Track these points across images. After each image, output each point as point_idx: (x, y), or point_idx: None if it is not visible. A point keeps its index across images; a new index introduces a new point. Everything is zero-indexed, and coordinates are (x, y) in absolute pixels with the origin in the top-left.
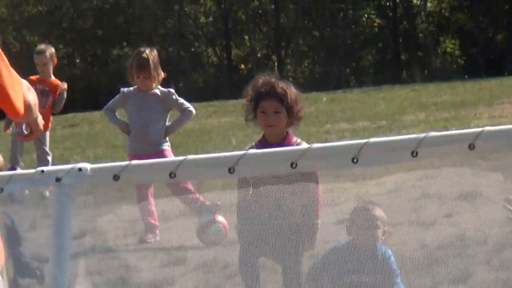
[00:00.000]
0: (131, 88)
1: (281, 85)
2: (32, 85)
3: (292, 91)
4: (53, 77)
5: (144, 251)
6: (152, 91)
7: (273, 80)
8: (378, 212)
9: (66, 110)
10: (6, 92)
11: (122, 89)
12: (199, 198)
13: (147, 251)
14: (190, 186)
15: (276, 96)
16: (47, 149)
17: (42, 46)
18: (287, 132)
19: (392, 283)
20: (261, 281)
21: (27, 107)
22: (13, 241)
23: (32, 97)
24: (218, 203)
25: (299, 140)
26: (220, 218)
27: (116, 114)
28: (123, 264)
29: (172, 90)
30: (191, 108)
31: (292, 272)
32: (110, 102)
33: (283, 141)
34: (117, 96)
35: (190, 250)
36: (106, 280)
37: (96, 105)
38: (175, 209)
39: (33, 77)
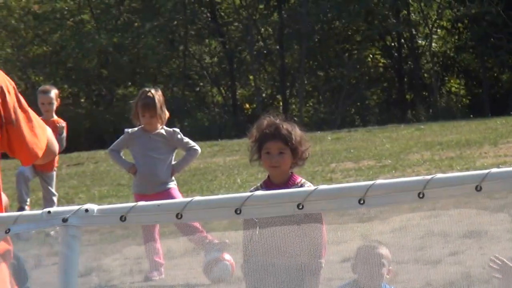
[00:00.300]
0: (136, 129)
1: (285, 126)
2: None
3: (296, 132)
4: (55, 117)
5: None
6: (157, 131)
7: (277, 121)
8: (383, 250)
9: (71, 149)
10: (23, 137)
11: (126, 130)
12: (207, 237)
13: None
14: (197, 224)
15: (281, 137)
16: (53, 190)
17: (46, 86)
18: (291, 173)
19: None
20: None
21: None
22: (20, 279)
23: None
24: (227, 241)
25: (303, 180)
26: (227, 256)
27: (121, 154)
28: None
29: (177, 130)
30: (197, 147)
31: None
32: (114, 143)
33: (288, 181)
34: (121, 137)
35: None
36: None
37: (101, 144)
38: (181, 247)
39: None
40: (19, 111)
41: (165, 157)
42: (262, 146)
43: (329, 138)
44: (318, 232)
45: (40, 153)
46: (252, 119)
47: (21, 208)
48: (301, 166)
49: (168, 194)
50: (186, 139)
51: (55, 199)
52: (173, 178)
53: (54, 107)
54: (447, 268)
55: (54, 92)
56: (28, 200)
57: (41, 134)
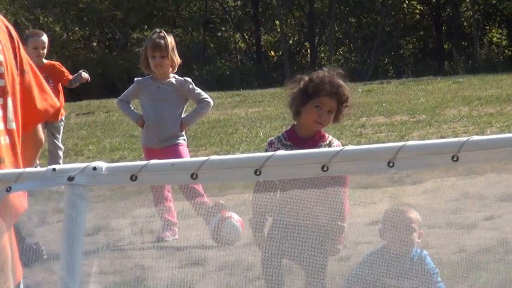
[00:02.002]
0: (146, 77)
1: (347, 88)
2: None
3: (351, 95)
4: (45, 61)
5: (161, 250)
6: (168, 80)
7: (340, 81)
8: (413, 214)
9: (80, 97)
10: (34, 91)
11: (136, 78)
12: (206, 202)
13: (164, 250)
14: (199, 187)
15: (339, 98)
16: (59, 143)
17: (37, 30)
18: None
19: (433, 283)
20: (285, 285)
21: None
22: (17, 237)
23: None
24: (221, 202)
25: (331, 137)
26: (235, 216)
27: (131, 105)
28: (138, 264)
29: (189, 79)
30: (209, 99)
31: (316, 276)
32: (124, 93)
33: (315, 136)
34: (131, 86)
35: (210, 250)
36: (121, 280)
37: (113, 92)
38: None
39: None
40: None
41: (175, 109)
42: (314, 98)
43: (360, 90)
44: (340, 194)
45: (51, 111)
46: (277, 68)
47: None
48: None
49: (174, 150)
50: (198, 90)
51: (60, 153)
52: (182, 133)
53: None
54: (482, 233)
55: (46, 37)
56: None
57: (51, 93)
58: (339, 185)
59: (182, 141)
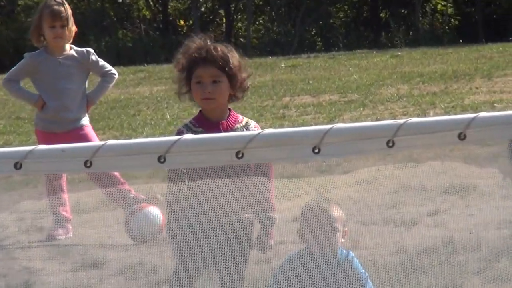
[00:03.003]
0: (38, 51)
1: (220, 48)
2: None
3: (234, 56)
4: None
5: (52, 250)
6: (67, 53)
7: (208, 42)
8: (335, 211)
9: None
10: None
11: (26, 54)
12: (130, 190)
13: (56, 250)
14: (116, 174)
15: (214, 61)
16: None
17: None
18: (229, 109)
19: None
20: None
21: None
22: None
23: None
24: (158, 196)
25: (246, 119)
26: (155, 209)
27: (21, 84)
28: (26, 266)
29: (91, 50)
30: (114, 71)
31: (234, 283)
32: (11, 71)
33: (227, 119)
34: (21, 62)
35: (109, 251)
36: (5, 285)
37: None
38: (92, 198)
39: None
40: None
41: (78, 86)
42: (192, 75)
43: (283, 65)
44: (264, 184)
45: None
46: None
47: None
48: (241, 98)
49: (80, 133)
50: (102, 62)
51: None
52: (87, 112)
53: None
54: (425, 231)
55: None
56: None
57: None
58: (262, 174)
59: (87, 121)
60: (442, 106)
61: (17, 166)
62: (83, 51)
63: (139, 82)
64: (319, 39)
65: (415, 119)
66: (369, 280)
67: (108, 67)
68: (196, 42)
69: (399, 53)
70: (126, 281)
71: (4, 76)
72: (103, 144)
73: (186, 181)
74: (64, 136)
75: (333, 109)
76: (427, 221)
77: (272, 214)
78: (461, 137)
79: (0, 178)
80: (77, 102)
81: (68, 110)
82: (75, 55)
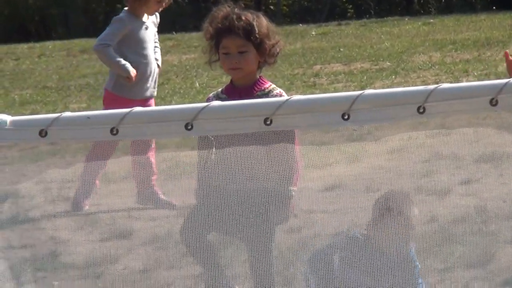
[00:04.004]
0: (125, 14)
1: (244, 17)
2: None
3: (261, 23)
4: None
5: (80, 220)
6: (151, 17)
7: (235, 11)
8: (415, 211)
9: None
10: None
11: (117, 17)
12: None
13: (83, 220)
14: (152, 159)
15: (239, 31)
16: None
17: None
18: (260, 76)
19: (415, 282)
20: (222, 261)
21: None
22: None
23: None
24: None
25: (273, 86)
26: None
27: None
28: (53, 236)
29: (158, 14)
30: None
31: (262, 252)
32: (106, 35)
33: (254, 86)
34: (115, 26)
35: (138, 221)
36: (32, 256)
37: (24, 36)
38: (120, 168)
39: None
40: None
41: (153, 51)
42: (220, 44)
43: (314, 33)
44: (289, 154)
45: None
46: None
47: None
48: (272, 64)
49: (152, 101)
50: None
51: None
52: None
53: None
54: (457, 200)
55: None
56: None
57: None
58: (287, 142)
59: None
60: (475, 73)
61: (42, 133)
62: (155, 15)
63: (167, 51)
64: (350, 6)
65: (446, 85)
66: (419, 272)
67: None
68: (222, 10)
69: (431, 20)
70: (155, 252)
71: (96, 40)
72: (130, 111)
73: (214, 148)
74: (143, 103)
75: (365, 77)
76: (459, 190)
77: (292, 188)
78: (493, 103)
79: (27, 148)
80: (157, 68)
81: (152, 77)
82: (154, 19)
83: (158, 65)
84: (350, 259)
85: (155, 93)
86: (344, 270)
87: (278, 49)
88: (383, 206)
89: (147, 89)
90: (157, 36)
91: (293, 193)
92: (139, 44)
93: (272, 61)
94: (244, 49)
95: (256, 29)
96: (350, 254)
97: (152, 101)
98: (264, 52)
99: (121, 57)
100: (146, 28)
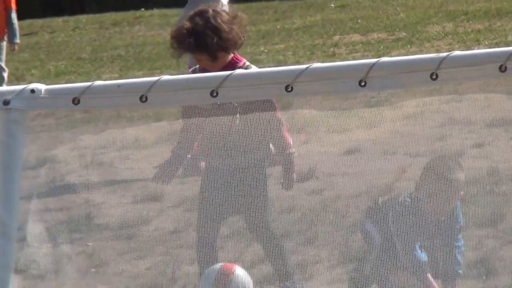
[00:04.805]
0: None
1: (207, 32)
2: None
3: (219, 27)
4: None
5: (113, 185)
6: None
7: (201, 26)
8: (461, 175)
9: (21, 15)
10: None
11: None
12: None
13: (116, 185)
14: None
15: (202, 51)
16: (2, 63)
17: None
18: (233, 55)
19: (453, 237)
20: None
21: None
22: None
23: None
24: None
25: (248, 63)
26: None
27: None
28: (88, 199)
29: None
30: None
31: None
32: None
33: (228, 63)
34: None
35: (168, 184)
36: (68, 218)
37: (58, 10)
38: (151, 135)
39: None
40: None
41: None
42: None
43: (333, 5)
44: (275, 121)
45: None
46: None
47: None
48: (241, 44)
49: None
50: None
51: (5, 75)
52: None
53: None
54: (470, 162)
55: None
56: None
57: None
58: (269, 110)
59: None
60: (486, 42)
61: (75, 101)
62: None
63: None
64: None
65: (457, 52)
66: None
67: None
68: (184, 27)
69: None
70: (183, 213)
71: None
72: (158, 79)
73: (238, 114)
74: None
75: (381, 47)
76: (472, 153)
77: (290, 150)
78: (502, 69)
79: (62, 116)
80: None
81: None
82: None
83: None
84: (401, 220)
85: None
86: (395, 228)
87: (242, 38)
88: (432, 170)
89: None
90: None
91: (294, 154)
92: None
93: (238, 47)
94: (212, 56)
95: (215, 40)
96: (401, 216)
97: None
98: (230, 48)
99: None
100: None
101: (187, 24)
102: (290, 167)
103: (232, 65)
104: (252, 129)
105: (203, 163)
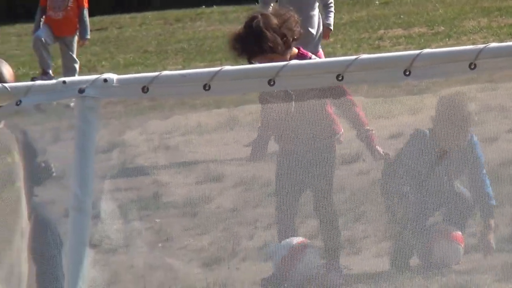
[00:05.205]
0: None
1: (268, 35)
2: None
3: (277, 37)
4: None
5: (178, 166)
6: None
7: (257, 30)
8: (472, 105)
9: (92, 12)
10: None
11: None
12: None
13: (181, 166)
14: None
15: (266, 52)
16: (74, 55)
17: None
18: (298, 49)
19: (478, 173)
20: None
21: None
22: (29, 153)
23: None
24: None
25: (314, 56)
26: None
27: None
28: (155, 180)
29: None
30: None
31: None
32: None
33: (296, 56)
34: None
35: (228, 166)
36: (137, 197)
37: (125, 8)
38: (212, 120)
39: None
40: None
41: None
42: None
43: (377, 2)
44: (346, 103)
45: None
46: None
47: (45, 73)
48: (299, 38)
49: (318, 55)
50: None
51: (77, 66)
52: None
53: None
54: (505, 145)
55: None
56: (52, 64)
57: None
58: (344, 95)
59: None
60: None
61: (144, 90)
62: None
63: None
64: None
65: (493, 44)
66: (483, 165)
67: None
68: (244, 28)
69: None
70: (242, 193)
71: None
72: (220, 70)
73: (293, 102)
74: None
75: (422, 40)
76: (506, 137)
77: (367, 127)
78: None
79: (131, 104)
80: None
81: (309, 35)
82: None
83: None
84: (419, 151)
85: (318, 48)
86: (411, 159)
87: (295, 36)
88: (445, 105)
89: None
90: None
91: (372, 131)
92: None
93: (295, 42)
94: (273, 58)
95: (279, 42)
96: (419, 146)
97: (318, 54)
98: (288, 47)
99: None
100: None
101: (242, 30)
102: (370, 141)
103: (299, 58)
104: (320, 114)
105: (273, 146)
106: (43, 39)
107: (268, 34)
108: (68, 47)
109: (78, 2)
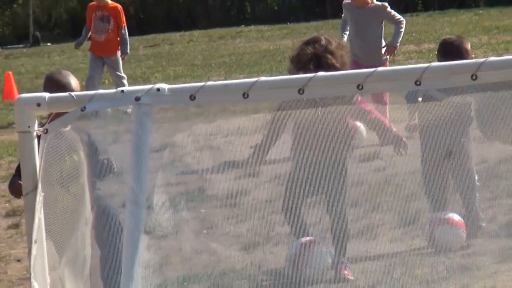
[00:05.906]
0: (349, 3)
1: (330, 58)
2: (91, 12)
3: (338, 57)
4: (109, 1)
5: (221, 163)
6: (368, 6)
7: (320, 51)
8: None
9: (147, 31)
10: None
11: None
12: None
13: (224, 163)
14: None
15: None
16: (121, 73)
17: None
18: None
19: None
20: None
21: None
22: (92, 152)
23: None
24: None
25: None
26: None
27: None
28: (201, 175)
29: (386, 3)
30: (402, 19)
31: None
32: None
33: None
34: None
35: (264, 164)
36: (185, 191)
37: (176, 27)
38: (250, 124)
39: (91, 4)
40: None
41: (376, 31)
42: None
43: None
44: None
45: None
46: (319, 2)
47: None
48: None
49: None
50: (393, 12)
51: (125, 81)
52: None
53: None
54: (501, 145)
55: None
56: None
57: None
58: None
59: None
60: None
61: (192, 98)
62: (379, 5)
63: (283, 37)
64: (420, 1)
65: (492, 58)
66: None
67: (398, 16)
68: (310, 47)
69: (481, 12)
70: (276, 187)
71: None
72: (257, 80)
73: (320, 108)
74: (369, 66)
75: (431, 55)
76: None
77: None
78: None
79: (179, 110)
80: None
81: (369, 49)
82: (372, 7)
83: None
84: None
85: (382, 59)
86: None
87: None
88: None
89: (365, 57)
90: (394, 17)
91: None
92: (352, 25)
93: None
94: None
95: (339, 66)
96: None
97: (382, 64)
98: (341, 67)
99: None
100: (360, 13)
101: (310, 49)
102: (399, 141)
103: None
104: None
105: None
106: (95, 77)
107: (335, 50)
108: (113, 68)
109: (117, 24)
